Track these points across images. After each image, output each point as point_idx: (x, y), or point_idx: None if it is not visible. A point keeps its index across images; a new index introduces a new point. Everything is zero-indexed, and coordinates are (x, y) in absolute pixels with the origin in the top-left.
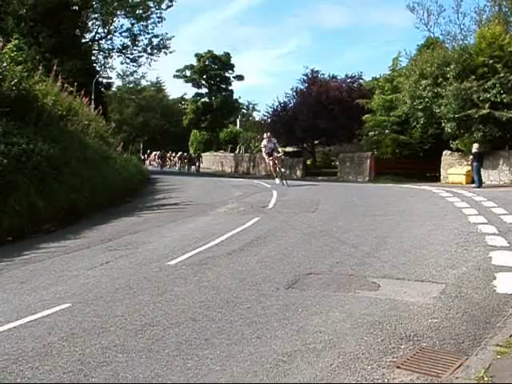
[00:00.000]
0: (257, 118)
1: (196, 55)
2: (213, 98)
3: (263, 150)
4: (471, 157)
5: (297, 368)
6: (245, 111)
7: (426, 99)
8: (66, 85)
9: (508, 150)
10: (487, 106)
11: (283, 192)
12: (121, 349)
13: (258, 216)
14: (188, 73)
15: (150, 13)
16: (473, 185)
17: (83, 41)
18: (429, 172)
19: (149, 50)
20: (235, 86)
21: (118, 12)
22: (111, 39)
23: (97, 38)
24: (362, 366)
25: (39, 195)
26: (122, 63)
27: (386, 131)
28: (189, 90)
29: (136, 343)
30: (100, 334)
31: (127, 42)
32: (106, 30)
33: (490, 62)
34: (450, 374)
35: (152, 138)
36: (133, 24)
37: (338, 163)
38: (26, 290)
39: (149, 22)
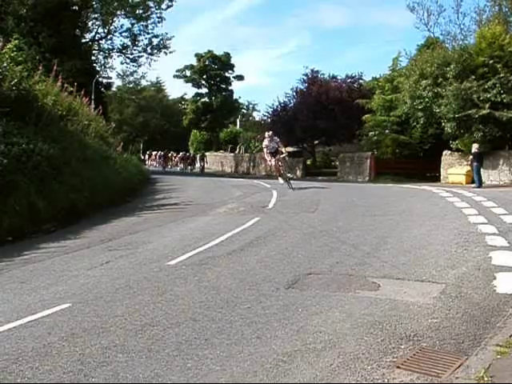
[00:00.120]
0: (257, 118)
1: (196, 55)
2: (213, 97)
3: (265, 150)
4: (471, 157)
5: (297, 368)
6: (245, 111)
7: (426, 99)
8: (66, 85)
9: (508, 150)
10: (487, 106)
11: (283, 192)
12: (121, 349)
13: (258, 216)
14: (188, 73)
15: (149, 13)
16: (473, 185)
17: (83, 41)
18: (429, 172)
19: (149, 50)
20: (235, 85)
21: (118, 12)
22: (111, 39)
23: (97, 38)
24: (362, 366)
25: (39, 195)
26: (122, 63)
27: (386, 131)
28: (189, 90)
29: (136, 343)
30: (100, 334)
31: (127, 42)
32: (105, 30)
33: (490, 62)
34: (450, 374)
35: (152, 138)
36: (133, 24)
37: (337, 163)
38: (26, 290)
39: (149, 22)
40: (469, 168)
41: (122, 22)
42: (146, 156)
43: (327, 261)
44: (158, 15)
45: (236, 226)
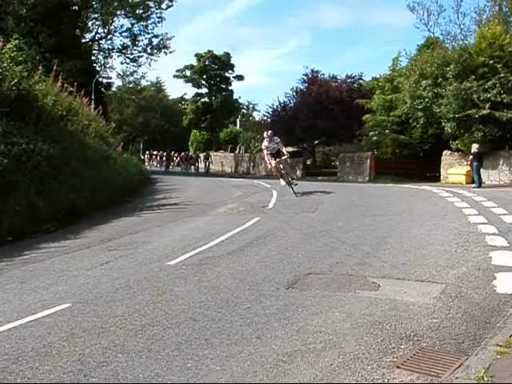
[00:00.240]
0: (257, 118)
1: (196, 55)
2: (213, 97)
3: (265, 151)
4: (471, 157)
5: (297, 368)
6: (245, 111)
7: (426, 99)
8: (65, 85)
9: (508, 150)
10: (487, 106)
11: (283, 192)
12: (121, 349)
13: (258, 216)
14: (188, 73)
15: (149, 13)
16: (473, 185)
17: (83, 41)
18: (429, 172)
19: (149, 50)
20: (235, 85)
21: (118, 12)
22: (111, 39)
23: (97, 38)
24: (362, 366)
25: (39, 195)
26: (122, 63)
27: (386, 131)
28: (189, 90)
29: (136, 343)
30: (100, 333)
31: (127, 41)
32: (106, 30)
33: (490, 62)
34: (450, 374)
35: (152, 138)
36: (133, 24)
37: (338, 163)
38: (26, 290)
39: (149, 22)
40: (469, 168)
41: (121, 21)
42: (146, 156)
43: (327, 261)
44: (158, 15)
45: (236, 226)
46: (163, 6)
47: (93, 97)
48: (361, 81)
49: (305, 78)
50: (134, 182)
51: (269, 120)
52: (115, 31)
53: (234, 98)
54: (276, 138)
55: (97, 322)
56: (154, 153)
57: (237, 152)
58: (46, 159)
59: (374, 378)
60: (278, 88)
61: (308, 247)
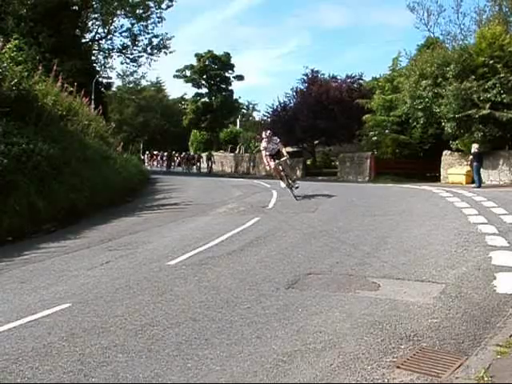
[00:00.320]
0: (257, 118)
1: (196, 55)
2: (213, 97)
3: (263, 152)
4: (471, 157)
5: (297, 368)
6: (245, 111)
7: (426, 99)
8: (65, 85)
9: (508, 150)
10: (487, 106)
11: (283, 192)
12: (121, 349)
13: (258, 216)
14: (188, 73)
15: (149, 13)
16: (473, 185)
17: (83, 41)
18: (429, 172)
19: (149, 50)
20: (235, 85)
21: (118, 12)
22: (111, 39)
23: (97, 38)
24: (362, 366)
25: (39, 195)
26: (122, 63)
27: (386, 131)
28: (189, 90)
29: (136, 343)
30: (100, 334)
31: (127, 41)
32: (106, 30)
33: (490, 62)
34: (450, 373)
35: (152, 138)
36: (133, 24)
37: (337, 163)
38: (26, 290)
39: (149, 22)
40: (469, 168)
41: (121, 22)
42: (147, 156)
43: (327, 261)
44: (158, 15)
45: (236, 225)
46: (163, 5)
47: (93, 97)
48: (361, 81)
49: (305, 78)
50: (134, 182)
51: (269, 120)
52: (115, 31)
53: (234, 98)
54: (275, 138)
55: (97, 322)
56: (155, 153)
57: (237, 152)
58: (46, 159)
59: (374, 378)
60: (278, 88)
61: (308, 247)
